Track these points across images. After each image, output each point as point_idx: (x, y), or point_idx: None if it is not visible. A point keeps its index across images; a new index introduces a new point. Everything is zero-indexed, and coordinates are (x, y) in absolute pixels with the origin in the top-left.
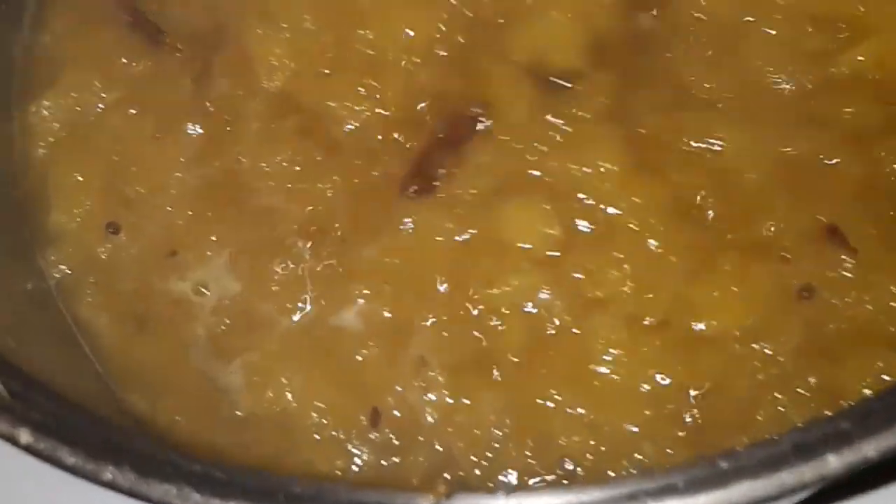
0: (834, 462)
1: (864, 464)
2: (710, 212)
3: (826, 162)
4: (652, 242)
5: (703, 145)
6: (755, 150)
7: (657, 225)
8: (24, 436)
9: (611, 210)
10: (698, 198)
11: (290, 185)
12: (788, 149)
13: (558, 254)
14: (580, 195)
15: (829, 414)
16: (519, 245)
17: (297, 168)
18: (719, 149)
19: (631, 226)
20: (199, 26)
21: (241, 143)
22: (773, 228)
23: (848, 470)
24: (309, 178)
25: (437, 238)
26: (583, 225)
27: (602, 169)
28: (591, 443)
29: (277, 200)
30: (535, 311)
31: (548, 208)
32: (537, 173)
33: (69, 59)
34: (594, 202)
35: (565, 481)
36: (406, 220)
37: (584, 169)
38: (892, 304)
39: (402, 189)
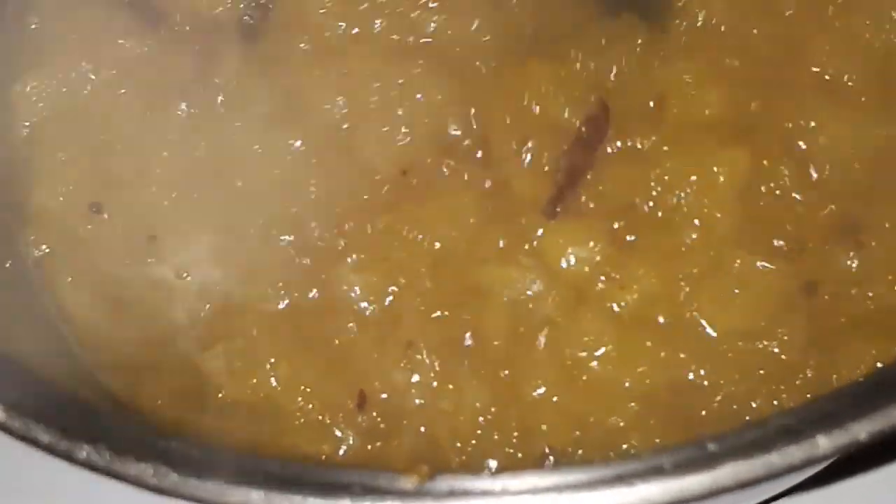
0: (824, 444)
1: (855, 446)
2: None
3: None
4: (687, 243)
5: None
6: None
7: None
8: None
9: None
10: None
11: (286, 168)
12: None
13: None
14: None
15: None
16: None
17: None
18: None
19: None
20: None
21: (235, 125)
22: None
23: (838, 452)
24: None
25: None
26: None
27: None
28: (577, 433)
29: (267, 184)
30: (528, 303)
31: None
32: None
33: (57, 41)
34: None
35: None
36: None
37: None
38: (892, 302)
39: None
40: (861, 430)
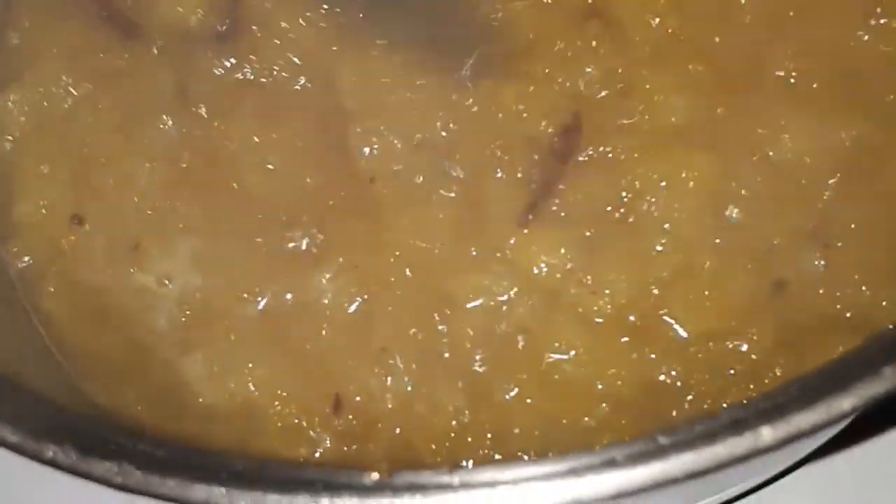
0: (767, 435)
1: (798, 436)
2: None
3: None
4: (658, 248)
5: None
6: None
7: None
8: None
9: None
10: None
11: (271, 167)
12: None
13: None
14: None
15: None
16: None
17: (283, 156)
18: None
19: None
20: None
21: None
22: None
23: (782, 442)
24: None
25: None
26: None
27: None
28: (550, 434)
29: (256, 190)
30: (501, 308)
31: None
32: None
33: (37, 54)
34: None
35: None
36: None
37: None
38: (860, 300)
39: None
40: (804, 421)
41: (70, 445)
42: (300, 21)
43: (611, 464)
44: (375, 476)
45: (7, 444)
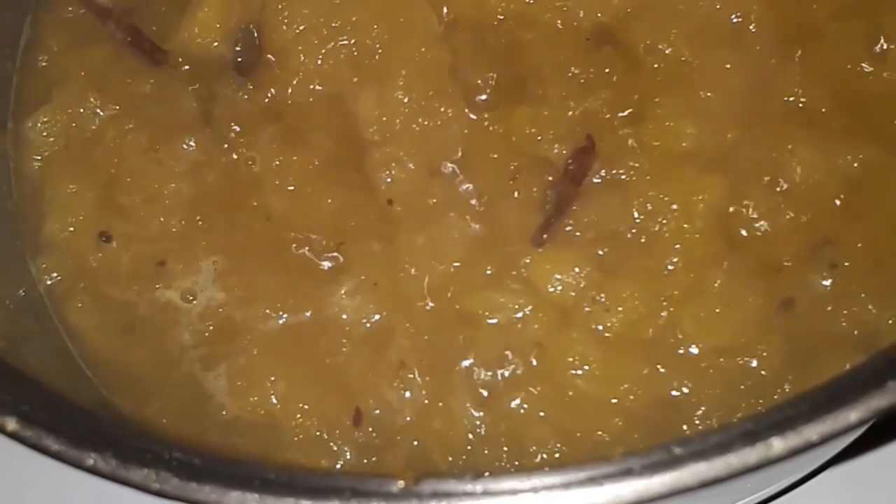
0: (778, 445)
1: (807, 447)
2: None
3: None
4: (669, 267)
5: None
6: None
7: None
8: (11, 424)
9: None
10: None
11: (292, 188)
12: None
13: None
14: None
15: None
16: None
17: (303, 178)
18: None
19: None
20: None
21: (237, 157)
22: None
23: (791, 453)
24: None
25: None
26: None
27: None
28: (564, 448)
29: (278, 210)
30: (517, 325)
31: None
32: None
33: (66, 77)
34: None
35: None
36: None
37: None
38: (867, 318)
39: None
40: (813, 433)
41: (110, 453)
42: (320, 52)
43: (628, 473)
44: (402, 484)
45: (49, 452)
